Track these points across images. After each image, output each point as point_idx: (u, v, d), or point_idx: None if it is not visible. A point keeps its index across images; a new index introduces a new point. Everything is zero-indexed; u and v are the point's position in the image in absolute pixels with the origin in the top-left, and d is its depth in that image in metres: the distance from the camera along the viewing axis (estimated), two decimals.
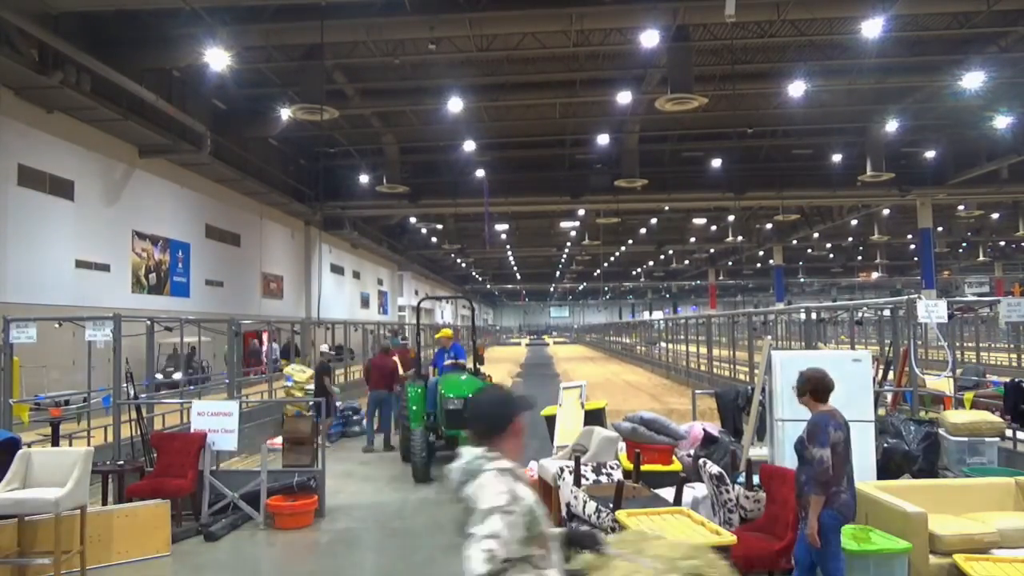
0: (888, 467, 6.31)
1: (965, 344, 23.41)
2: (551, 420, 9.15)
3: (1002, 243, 50.05)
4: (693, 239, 46.64)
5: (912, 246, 45.12)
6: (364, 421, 13.13)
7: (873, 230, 40.53)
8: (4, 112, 13.73)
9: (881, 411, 8.39)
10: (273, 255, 26.95)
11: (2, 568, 5.83)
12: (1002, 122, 21.11)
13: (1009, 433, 7.45)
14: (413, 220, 38.22)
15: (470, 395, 8.42)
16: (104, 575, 6.16)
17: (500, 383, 10.52)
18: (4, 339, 8.38)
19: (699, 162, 27.98)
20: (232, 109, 20.91)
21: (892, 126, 22.87)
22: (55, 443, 8.01)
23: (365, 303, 39.70)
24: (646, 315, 76.20)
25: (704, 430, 7.62)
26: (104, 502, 7.33)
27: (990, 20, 16.15)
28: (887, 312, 11.70)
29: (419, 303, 12.43)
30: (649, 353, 24.10)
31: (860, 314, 16.13)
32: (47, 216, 14.80)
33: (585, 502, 5.42)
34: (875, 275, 59.03)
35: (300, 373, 12.06)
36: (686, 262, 59.57)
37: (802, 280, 68.12)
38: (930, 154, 26.59)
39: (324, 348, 16.20)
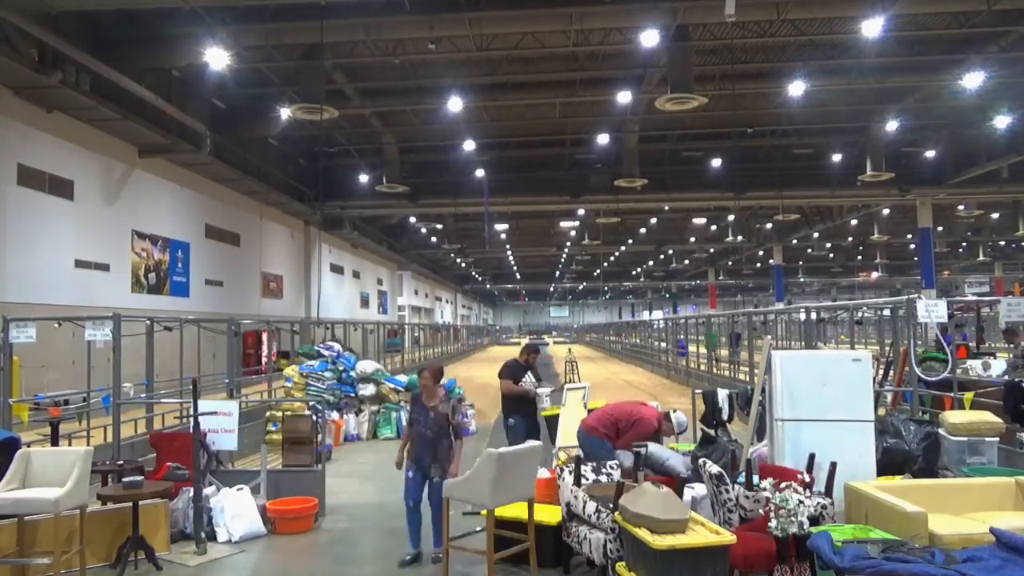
0: (888, 467, 6.30)
1: None
2: (553, 420, 9.10)
3: (1002, 243, 50.06)
4: (693, 239, 46.66)
5: (912, 246, 45.12)
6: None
7: (873, 230, 40.54)
8: (4, 112, 13.73)
9: (881, 411, 8.39)
10: (273, 255, 26.95)
11: (2, 568, 5.82)
12: (1002, 122, 21.09)
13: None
14: (413, 220, 38.23)
15: None
16: (104, 575, 6.16)
17: None
18: (4, 339, 8.37)
19: (699, 162, 27.97)
20: (232, 109, 20.90)
21: (892, 126, 22.88)
22: (55, 443, 8.00)
23: (365, 303, 39.72)
24: (646, 315, 76.17)
25: (702, 430, 7.64)
26: (104, 502, 7.31)
27: (990, 20, 16.15)
28: (887, 312, 11.71)
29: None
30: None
31: (860, 314, 16.15)
32: (47, 216, 14.81)
33: (585, 502, 5.42)
34: (875, 275, 59.05)
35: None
36: (686, 262, 59.59)
37: (802, 280, 68.10)
38: (930, 154, 26.58)
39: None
